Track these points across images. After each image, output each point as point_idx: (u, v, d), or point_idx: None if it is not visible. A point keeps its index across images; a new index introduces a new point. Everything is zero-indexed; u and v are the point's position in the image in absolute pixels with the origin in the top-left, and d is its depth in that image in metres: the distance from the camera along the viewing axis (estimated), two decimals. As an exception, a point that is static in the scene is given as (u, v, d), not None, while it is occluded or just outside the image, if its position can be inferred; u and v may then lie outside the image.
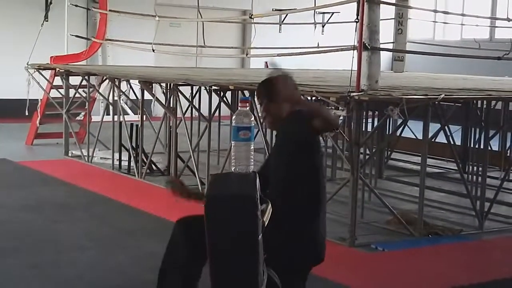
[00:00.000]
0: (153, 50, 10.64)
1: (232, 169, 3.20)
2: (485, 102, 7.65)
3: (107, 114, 10.65)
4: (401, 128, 8.57)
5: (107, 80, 9.42)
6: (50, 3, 13.44)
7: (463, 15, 13.40)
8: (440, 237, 6.20)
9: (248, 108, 3.22)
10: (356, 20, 5.83)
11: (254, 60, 15.28)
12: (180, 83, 7.74)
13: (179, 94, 7.97)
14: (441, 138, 8.03)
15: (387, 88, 6.33)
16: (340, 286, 4.88)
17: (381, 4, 5.90)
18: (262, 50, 10.96)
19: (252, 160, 3.20)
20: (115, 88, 9.12)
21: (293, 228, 3.56)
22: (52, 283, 4.80)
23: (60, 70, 9.99)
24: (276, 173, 3.69)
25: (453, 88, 7.30)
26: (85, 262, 5.20)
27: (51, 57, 10.75)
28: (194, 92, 8.71)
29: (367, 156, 7.68)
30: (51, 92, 10.54)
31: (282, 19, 15.27)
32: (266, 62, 14.73)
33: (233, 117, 3.24)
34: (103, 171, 8.92)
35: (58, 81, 10.35)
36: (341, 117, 5.69)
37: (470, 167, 8.56)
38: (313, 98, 6.19)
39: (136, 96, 9.76)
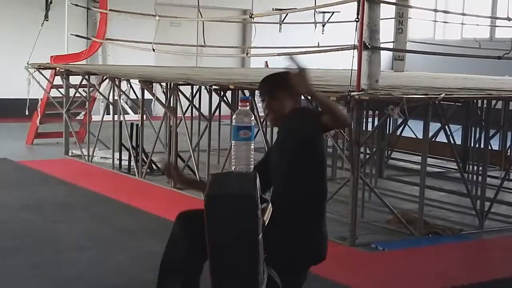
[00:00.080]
0: (153, 50, 10.64)
1: (232, 168, 3.20)
2: (485, 101, 7.65)
3: (107, 114, 10.65)
4: (401, 128, 8.57)
5: (107, 80, 9.41)
6: (50, 2, 13.46)
7: (463, 14, 13.41)
8: (440, 236, 6.20)
9: (248, 107, 3.22)
10: (356, 20, 5.82)
11: (255, 59, 15.29)
12: (180, 83, 7.74)
13: (179, 93, 7.97)
14: (442, 138, 8.03)
15: (387, 88, 6.33)
16: (340, 286, 4.88)
17: (381, 4, 5.90)
18: (262, 50, 10.98)
19: (253, 160, 3.20)
20: (115, 88, 9.12)
21: (294, 228, 3.56)
22: (52, 283, 4.79)
23: (60, 70, 9.99)
24: (277, 171, 3.68)
25: (454, 87, 7.29)
26: (85, 262, 5.19)
27: (51, 56, 10.76)
28: (194, 92, 8.71)
29: (367, 156, 7.68)
30: (51, 92, 10.55)
31: (283, 19, 15.27)
32: (266, 62, 14.75)
33: (233, 116, 3.24)
34: (103, 171, 8.92)
35: (58, 80, 10.36)
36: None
37: (471, 167, 8.56)
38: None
39: (136, 96, 9.75)
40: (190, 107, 8.52)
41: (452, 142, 7.63)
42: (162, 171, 4.04)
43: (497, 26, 14.84)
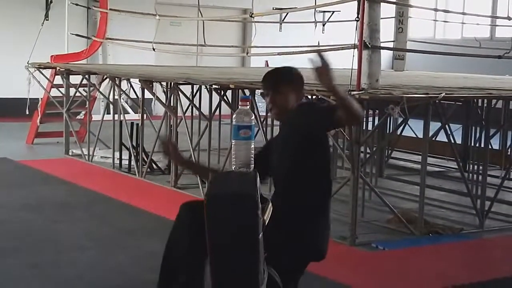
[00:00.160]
0: (154, 49, 10.64)
1: (233, 167, 3.20)
2: (485, 100, 7.65)
3: (107, 113, 10.64)
4: (401, 127, 8.56)
5: (108, 79, 9.41)
6: (51, 2, 13.47)
7: (463, 13, 13.41)
8: (441, 236, 6.19)
9: (248, 107, 3.22)
10: (356, 19, 5.82)
11: (255, 59, 15.29)
12: (180, 82, 7.74)
13: (179, 93, 7.97)
14: (442, 137, 8.02)
15: (387, 87, 6.32)
16: (340, 285, 4.88)
17: (381, 3, 5.89)
18: (262, 49, 10.96)
19: (253, 159, 3.20)
20: (116, 87, 9.12)
21: (295, 227, 3.55)
22: (52, 283, 4.79)
23: (61, 69, 9.99)
24: (279, 166, 3.65)
25: (454, 86, 7.29)
26: (85, 262, 5.19)
27: (52, 56, 10.75)
28: (194, 91, 8.71)
29: (367, 155, 7.68)
30: (52, 91, 10.55)
31: (283, 18, 15.28)
32: (267, 61, 14.74)
33: (234, 116, 3.24)
34: (104, 170, 8.91)
35: (58, 80, 10.36)
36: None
37: (471, 166, 8.56)
38: (313, 97, 6.18)
39: (137, 95, 9.75)
40: (190, 107, 8.51)
41: (453, 141, 7.63)
42: (160, 147, 3.98)
43: (497, 25, 14.84)
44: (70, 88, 9.96)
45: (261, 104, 9.41)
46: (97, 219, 6.47)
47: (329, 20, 16.40)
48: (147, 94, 8.59)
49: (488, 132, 7.04)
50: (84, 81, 9.67)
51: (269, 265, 3.30)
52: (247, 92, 7.32)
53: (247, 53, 13.63)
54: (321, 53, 3.36)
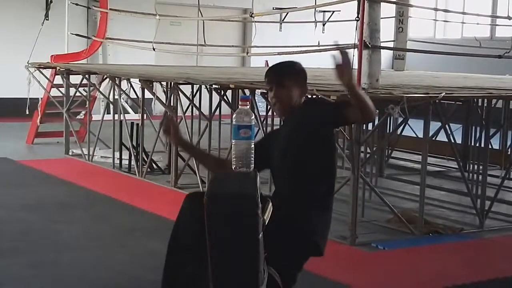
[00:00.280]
0: (154, 49, 10.64)
1: (233, 167, 3.19)
2: (485, 100, 7.65)
3: (107, 113, 10.65)
4: (401, 127, 8.56)
5: (108, 79, 9.41)
6: (51, 2, 13.47)
7: (463, 13, 13.43)
8: (441, 235, 6.19)
9: (248, 106, 3.21)
10: (356, 19, 5.82)
11: (255, 58, 15.29)
12: (180, 82, 7.74)
13: (179, 92, 7.97)
14: (442, 137, 8.02)
15: (387, 87, 6.32)
16: (340, 285, 4.87)
17: (381, 3, 5.89)
18: (262, 49, 10.96)
19: (253, 159, 3.20)
20: (116, 87, 9.12)
21: (295, 226, 3.54)
22: (52, 283, 4.79)
23: (61, 69, 9.98)
24: (283, 162, 3.63)
25: (454, 86, 7.29)
26: (85, 262, 5.19)
27: (52, 55, 10.75)
28: (194, 91, 8.71)
29: (368, 155, 7.67)
30: (52, 91, 10.55)
31: (283, 18, 15.28)
32: (267, 61, 14.74)
33: (234, 115, 3.23)
34: (104, 170, 8.91)
35: (58, 80, 10.36)
36: None
37: (471, 166, 8.56)
38: (313, 96, 6.17)
39: (137, 95, 9.75)
40: (190, 106, 8.51)
41: (453, 141, 7.62)
42: (161, 126, 3.95)
43: (497, 25, 14.84)
44: (70, 88, 9.96)
45: (261, 104, 9.42)
46: (97, 219, 6.47)
47: (329, 20, 16.40)
48: (147, 94, 8.58)
49: (488, 132, 7.04)
50: (84, 81, 9.67)
51: (269, 265, 3.29)
52: (247, 92, 7.32)
53: (247, 53, 13.63)
54: (343, 51, 3.35)
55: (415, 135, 8.99)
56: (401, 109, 5.55)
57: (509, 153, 9.43)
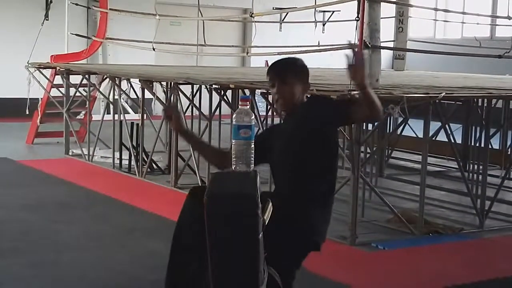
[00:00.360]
0: (154, 49, 10.64)
1: (233, 167, 3.19)
2: (485, 100, 7.65)
3: (107, 113, 10.65)
4: (401, 127, 8.56)
5: (108, 79, 9.42)
6: (51, 2, 13.46)
7: (463, 13, 13.43)
8: (441, 235, 6.19)
9: (248, 106, 3.21)
10: (356, 19, 5.82)
11: (255, 58, 15.29)
12: (180, 82, 7.74)
13: (179, 92, 7.97)
14: (442, 137, 8.02)
15: (387, 87, 6.32)
16: (340, 285, 4.87)
17: (381, 3, 5.89)
18: (262, 49, 10.97)
19: (253, 159, 3.19)
20: (116, 87, 9.12)
21: (296, 225, 3.53)
22: (52, 283, 4.79)
23: (61, 69, 9.99)
24: (283, 159, 3.62)
25: (454, 86, 7.29)
26: (85, 262, 5.19)
27: (52, 56, 10.76)
28: (194, 91, 8.71)
29: (367, 155, 7.67)
30: (52, 91, 10.55)
31: (283, 18, 15.28)
32: (266, 61, 14.74)
33: (234, 115, 3.23)
34: (104, 170, 8.91)
35: (58, 80, 10.36)
36: None
37: (471, 166, 8.56)
38: (317, 94, 6.18)
39: (137, 95, 9.75)
40: (190, 106, 8.51)
41: (453, 141, 7.62)
42: (163, 110, 3.90)
43: (497, 25, 14.84)
44: (70, 88, 9.96)
45: (261, 104, 9.42)
46: (97, 219, 6.47)
47: (329, 20, 16.40)
48: (147, 94, 8.59)
49: (488, 131, 7.04)
50: (84, 81, 9.67)
51: (269, 265, 3.29)
52: (247, 92, 7.32)
53: (247, 53, 13.63)
54: (357, 50, 3.33)
55: (415, 135, 8.99)
56: (401, 109, 5.55)
57: (509, 153, 9.43)
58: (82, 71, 9.58)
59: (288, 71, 3.66)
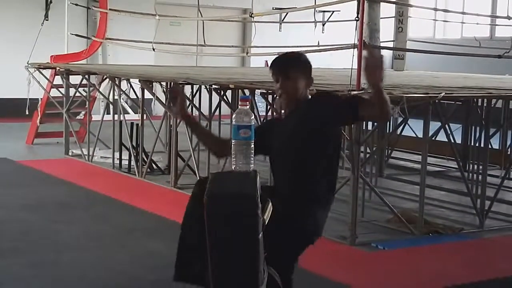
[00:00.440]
0: (153, 49, 10.64)
1: (233, 167, 3.19)
2: (485, 100, 7.65)
3: (107, 113, 10.65)
4: (401, 127, 8.56)
5: (107, 79, 9.42)
6: (50, 2, 13.45)
7: (463, 13, 13.43)
8: (441, 235, 6.20)
9: (248, 106, 3.21)
10: (356, 19, 5.81)
11: (254, 59, 15.30)
12: (180, 82, 7.73)
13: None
14: (442, 137, 8.03)
15: (387, 87, 6.31)
16: (340, 285, 4.88)
17: (381, 2, 5.89)
18: (262, 49, 10.97)
19: (253, 159, 3.19)
20: (116, 87, 9.12)
21: (295, 225, 3.53)
22: (52, 283, 4.79)
23: (61, 69, 9.99)
24: (284, 155, 3.61)
25: (454, 86, 7.29)
26: (85, 262, 5.19)
27: (51, 56, 10.75)
28: (194, 91, 8.72)
29: (367, 155, 7.67)
30: (52, 91, 10.55)
31: (283, 18, 15.28)
32: (266, 61, 14.74)
33: (233, 115, 3.23)
34: (104, 170, 8.92)
35: (58, 80, 10.36)
36: None
37: (471, 166, 8.56)
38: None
39: (137, 95, 9.75)
40: (190, 107, 8.50)
41: (452, 141, 7.63)
42: (167, 95, 3.87)
43: (497, 25, 14.84)
44: (70, 88, 9.96)
45: (261, 104, 9.43)
46: (97, 219, 6.47)
47: (329, 20, 16.40)
48: (147, 94, 8.59)
49: (488, 131, 7.04)
50: (84, 81, 9.67)
51: (269, 265, 3.29)
52: (247, 92, 7.32)
53: (247, 53, 13.63)
54: (373, 50, 3.30)
55: (415, 135, 8.99)
56: (401, 109, 5.55)
57: (509, 153, 9.43)
58: (82, 71, 9.58)
59: (291, 66, 3.65)
